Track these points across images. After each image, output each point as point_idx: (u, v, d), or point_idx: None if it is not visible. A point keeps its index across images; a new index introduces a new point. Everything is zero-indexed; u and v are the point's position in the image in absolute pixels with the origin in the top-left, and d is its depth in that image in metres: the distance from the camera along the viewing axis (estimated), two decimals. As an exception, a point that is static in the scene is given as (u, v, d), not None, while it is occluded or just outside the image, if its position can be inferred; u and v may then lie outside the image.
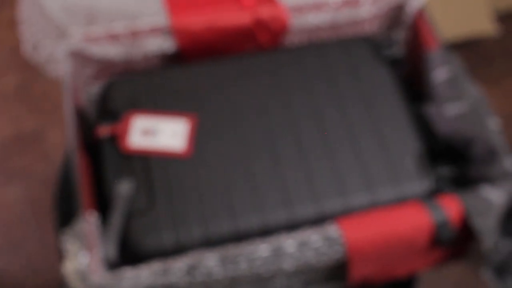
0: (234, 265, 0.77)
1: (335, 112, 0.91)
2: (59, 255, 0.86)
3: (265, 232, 0.83)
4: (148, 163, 0.86)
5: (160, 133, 0.88)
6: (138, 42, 0.93)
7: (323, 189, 0.86)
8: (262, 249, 0.78)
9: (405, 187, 0.87)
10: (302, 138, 0.89)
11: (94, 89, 0.96)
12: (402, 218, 0.82)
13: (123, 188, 0.83)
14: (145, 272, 0.76)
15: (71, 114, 0.86)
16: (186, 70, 0.94)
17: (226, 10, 0.95)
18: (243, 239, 0.81)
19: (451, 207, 0.82)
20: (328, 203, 0.85)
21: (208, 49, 0.96)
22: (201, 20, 0.94)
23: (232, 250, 0.77)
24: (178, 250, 0.81)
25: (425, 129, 0.92)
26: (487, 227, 0.81)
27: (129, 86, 0.92)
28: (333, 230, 0.79)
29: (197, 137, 0.89)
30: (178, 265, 0.76)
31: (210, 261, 0.77)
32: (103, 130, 0.88)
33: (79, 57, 0.91)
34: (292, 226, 0.83)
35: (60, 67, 0.90)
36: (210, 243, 0.81)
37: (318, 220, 0.83)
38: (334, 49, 0.97)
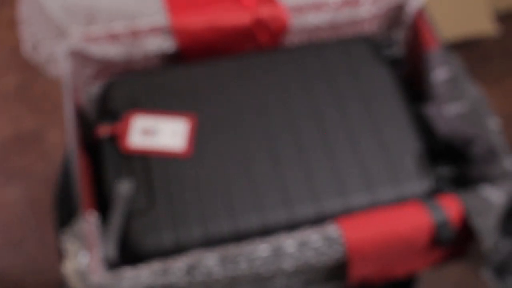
0: (234, 265, 0.77)
1: (335, 112, 0.91)
2: (59, 255, 0.86)
3: (265, 232, 0.83)
4: (148, 163, 0.86)
5: (160, 133, 0.88)
6: (138, 42, 0.93)
7: (323, 189, 0.86)
8: (262, 249, 0.78)
9: (405, 187, 0.87)
10: (302, 138, 0.89)
11: (94, 89, 0.96)
12: (402, 218, 0.82)
13: (123, 188, 0.83)
14: (145, 272, 0.76)
15: (71, 114, 0.86)
16: (186, 70, 0.94)
17: (226, 10, 0.95)
18: (243, 239, 0.81)
19: (451, 207, 0.82)
20: (328, 203, 0.85)
21: (208, 49, 0.96)
22: (201, 20, 0.94)
23: (232, 250, 0.77)
24: (178, 250, 0.80)
25: (425, 129, 0.92)
26: (487, 227, 0.81)
27: (129, 86, 0.92)
28: (333, 230, 0.79)
29: (197, 137, 0.88)
30: (178, 265, 0.76)
31: (210, 261, 0.77)
32: (103, 130, 0.88)
33: (79, 57, 0.91)
34: (292, 226, 0.83)
35: (60, 67, 0.90)
36: (210, 243, 0.81)
37: (318, 220, 0.83)
38: (334, 49, 0.97)
